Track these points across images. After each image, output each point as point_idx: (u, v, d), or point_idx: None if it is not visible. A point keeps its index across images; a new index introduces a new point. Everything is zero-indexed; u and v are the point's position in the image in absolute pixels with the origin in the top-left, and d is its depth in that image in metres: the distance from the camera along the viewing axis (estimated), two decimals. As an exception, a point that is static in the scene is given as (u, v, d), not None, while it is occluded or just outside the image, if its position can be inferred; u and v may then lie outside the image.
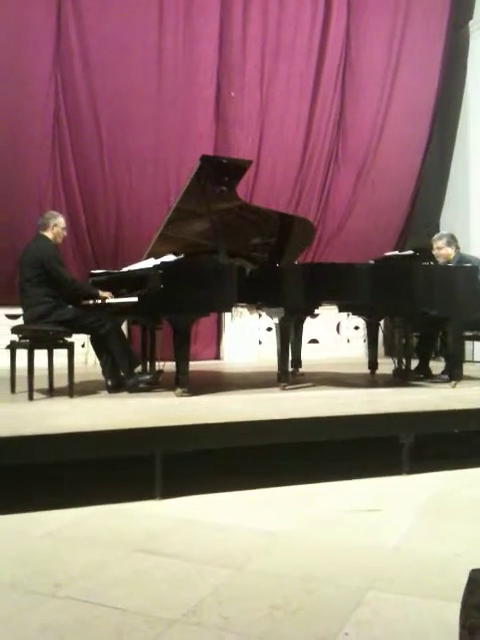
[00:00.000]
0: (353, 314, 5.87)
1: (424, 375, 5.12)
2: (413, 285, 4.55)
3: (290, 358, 4.97)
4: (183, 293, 4.06)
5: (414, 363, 5.18)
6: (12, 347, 4.24)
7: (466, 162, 7.80)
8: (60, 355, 4.26)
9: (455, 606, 1.56)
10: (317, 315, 5.24)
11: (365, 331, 6.56)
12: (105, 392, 4.31)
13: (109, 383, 4.34)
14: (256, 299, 4.57)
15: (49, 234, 4.36)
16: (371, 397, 4.18)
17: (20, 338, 4.25)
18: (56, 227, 4.38)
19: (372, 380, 5.33)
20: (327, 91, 7.48)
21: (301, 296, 4.44)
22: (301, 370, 5.48)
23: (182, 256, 4.44)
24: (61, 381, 4.22)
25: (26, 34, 6.11)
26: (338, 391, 4.55)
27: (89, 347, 5.46)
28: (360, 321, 7.35)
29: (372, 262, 4.91)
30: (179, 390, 4.09)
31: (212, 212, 4.48)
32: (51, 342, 4.21)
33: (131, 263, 4.70)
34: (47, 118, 6.34)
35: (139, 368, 4.65)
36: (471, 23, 7.82)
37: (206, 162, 4.28)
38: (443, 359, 5.26)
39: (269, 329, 7.10)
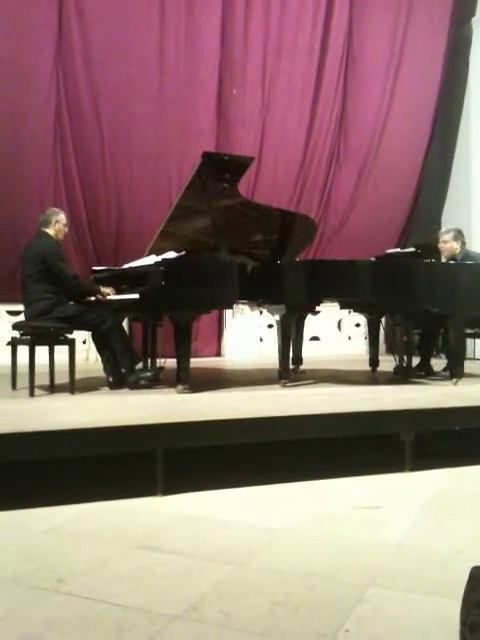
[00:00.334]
0: (354, 311, 5.86)
1: (425, 372, 5.12)
2: (414, 282, 4.54)
3: (291, 355, 4.97)
4: (184, 290, 4.06)
5: (415, 360, 5.17)
6: (13, 343, 4.24)
7: (468, 159, 7.78)
8: (61, 352, 4.26)
9: (456, 603, 1.56)
10: (318, 312, 5.23)
11: (366, 328, 6.57)
12: (106, 389, 4.31)
13: (110, 380, 4.34)
14: (257, 296, 4.57)
15: (50, 231, 4.36)
16: (372, 394, 4.17)
17: (21, 334, 4.25)
18: (57, 224, 4.38)
19: (373, 377, 5.33)
20: (329, 88, 7.47)
21: (302, 293, 4.43)
22: (302, 367, 5.48)
23: (183, 253, 4.44)
24: (62, 378, 4.23)
25: (28, 31, 6.11)
26: (339, 388, 4.55)
27: (90, 343, 5.46)
28: (361, 318, 7.35)
29: (373, 259, 4.90)
30: (180, 387, 4.09)
31: (213, 209, 4.47)
32: (52, 338, 4.21)
33: (132, 260, 4.70)
34: (48, 114, 6.34)
35: (140, 365, 4.66)
36: (474, 20, 7.79)
37: (208, 159, 4.27)
38: (444, 356, 5.26)
39: (270, 326, 7.10)
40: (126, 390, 4.24)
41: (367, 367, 5.56)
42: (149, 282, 4.11)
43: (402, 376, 5.02)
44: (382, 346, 6.58)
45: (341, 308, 5.68)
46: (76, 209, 6.48)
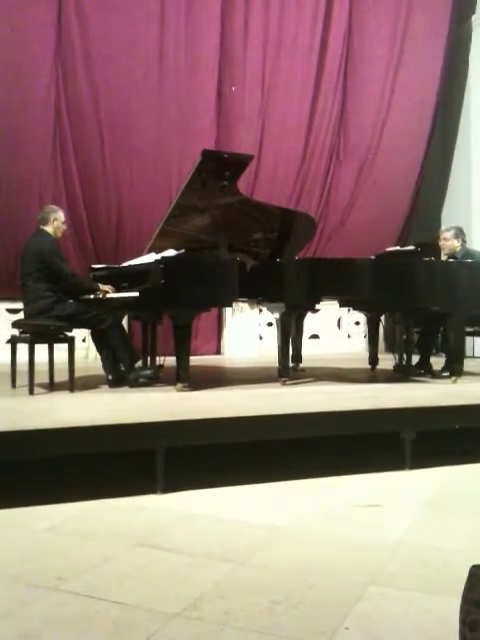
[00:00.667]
0: (354, 309, 5.86)
1: (425, 371, 5.12)
2: (414, 280, 4.54)
3: (291, 353, 4.97)
4: (184, 288, 4.06)
5: (415, 359, 5.17)
6: (13, 341, 4.24)
7: (468, 157, 7.78)
8: (61, 350, 4.26)
9: (456, 602, 1.56)
10: (318, 310, 5.23)
11: (366, 326, 6.57)
12: (106, 387, 4.31)
13: (110, 378, 4.34)
14: (257, 294, 4.56)
15: (49, 229, 4.36)
16: (372, 393, 4.17)
17: (21, 332, 4.25)
18: (56, 221, 4.38)
19: (373, 376, 5.33)
20: (329, 85, 7.46)
21: (302, 291, 4.43)
22: (302, 365, 5.49)
23: (183, 251, 4.44)
24: (62, 376, 4.23)
25: (27, 27, 6.10)
26: (339, 387, 4.55)
27: (90, 342, 5.46)
28: (361, 316, 7.35)
29: (373, 257, 4.90)
30: (180, 385, 4.09)
31: (213, 207, 4.47)
32: (52, 337, 4.21)
33: (132, 258, 4.69)
34: (48, 112, 6.34)
35: (139, 363, 4.65)
36: (474, 18, 7.79)
37: (207, 157, 4.27)
38: (444, 355, 5.26)
39: (270, 324, 7.10)
40: (126, 388, 4.24)
41: (367, 365, 5.56)
42: (149, 280, 4.10)
43: (402, 374, 5.02)
44: (382, 344, 6.58)
45: (341, 306, 5.68)
46: (76, 207, 6.48)
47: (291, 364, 5.00)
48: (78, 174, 6.52)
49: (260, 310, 7.03)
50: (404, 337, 5.15)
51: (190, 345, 4.26)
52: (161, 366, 4.75)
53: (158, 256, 4.18)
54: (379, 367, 5.51)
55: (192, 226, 4.78)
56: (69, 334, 4.21)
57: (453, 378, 4.63)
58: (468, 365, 5.06)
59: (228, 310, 6.95)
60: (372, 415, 3.56)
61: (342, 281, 4.50)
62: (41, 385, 4.20)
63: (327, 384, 4.68)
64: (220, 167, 4.33)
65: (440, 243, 5.11)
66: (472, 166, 7.69)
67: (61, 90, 6.39)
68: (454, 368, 4.69)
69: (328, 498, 3.02)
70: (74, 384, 4.11)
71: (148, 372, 4.47)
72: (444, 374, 4.91)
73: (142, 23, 6.57)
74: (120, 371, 4.34)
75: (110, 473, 3.09)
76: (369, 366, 5.54)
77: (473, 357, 6.88)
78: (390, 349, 6.70)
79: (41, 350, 4.21)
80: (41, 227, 4.36)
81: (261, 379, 4.81)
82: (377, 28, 7.59)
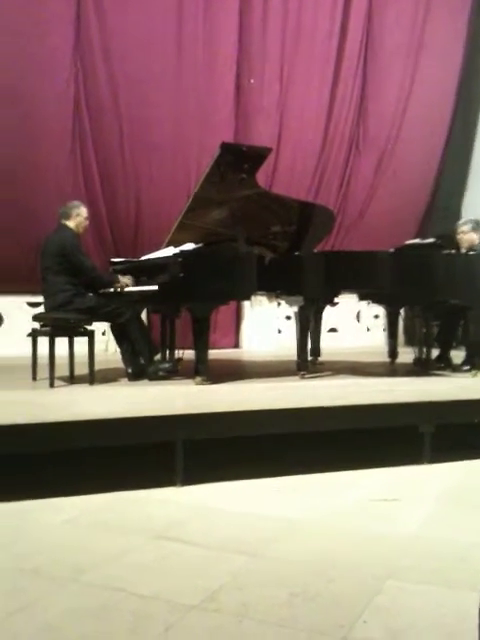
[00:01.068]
0: (373, 303, 5.81)
1: (445, 364, 5.07)
2: (434, 273, 4.50)
3: (309, 347, 4.96)
4: (202, 281, 4.06)
5: (435, 352, 5.13)
6: (33, 335, 4.29)
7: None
8: (81, 343, 4.30)
9: (474, 595, 1.56)
10: (337, 304, 5.19)
11: (385, 320, 6.52)
12: (125, 380, 4.33)
13: (129, 371, 4.36)
14: (275, 287, 4.55)
15: (71, 224, 4.38)
16: (390, 386, 4.15)
17: (41, 326, 4.29)
18: (78, 217, 4.40)
19: (392, 369, 5.30)
20: (348, 76, 7.38)
21: (321, 285, 4.41)
22: (320, 359, 5.47)
23: (202, 245, 4.44)
24: (82, 369, 4.26)
25: (45, 23, 6.11)
26: (357, 380, 4.53)
27: (109, 335, 5.50)
28: (380, 310, 7.30)
29: (393, 250, 4.86)
30: (198, 378, 4.10)
31: (232, 200, 4.46)
32: (72, 330, 4.24)
33: (151, 251, 4.71)
34: (67, 107, 6.35)
35: (158, 356, 4.67)
36: (495, 5, 7.65)
37: (226, 149, 4.26)
38: (464, 348, 5.21)
39: (288, 318, 7.07)
40: (145, 381, 4.26)
41: (386, 359, 5.53)
42: (167, 274, 4.12)
43: (421, 368, 4.98)
44: (401, 338, 6.53)
45: (360, 300, 5.64)
46: (95, 201, 6.49)
47: (310, 358, 4.98)
48: (97, 169, 6.53)
49: (279, 303, 7.01)
50: (424, 330, 5.11)
51: (208, 338, 4.27)
52: (180, 359, 4.77)
53: (177, 250, 4.19)
54: (398, 361, 5.48)
55: (210, 219, 4.78)
56: (89, 327, 4.24)
57: (473, 372, 4.59)
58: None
59: (246, 303, 6.94)
60: (391, 409, 3.54)
61: (361, 274, 4.47)
62: (61, 378, 4.23)
63: (346, 378, 4.66)
64: (239, 160, 4.31)
65: (458, 237, 5.04)
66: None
67: (80, 84, 6.40)
68: (474, 362, 4.64)
69: (346, 492, 3.02)
70: (94, 377, 4.14)
71: (167, 365, 4.49)
72: (464, 368, 4.86)
73: (160, 17, 6.55)
74: (139, 364, 4.37)
75: (129, 466, 3.12)
76: (388, 360, 5.51)
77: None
78: (410, 343, 6.64)
79: (61, 343, 4.24)
80: (63, 222, 4.39)
81: (280, 373, 4.81)
82: (397, 15, 7.47)
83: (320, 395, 3.80)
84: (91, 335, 4.19)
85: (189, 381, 4.17)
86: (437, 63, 7.59)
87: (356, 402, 3.56)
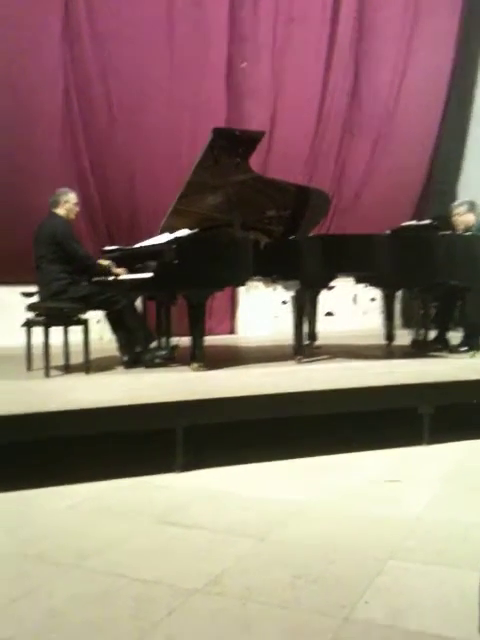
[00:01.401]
0: (370, 285, 5.81)
1: (442, 346, 5.08)
2: (431, 255, 4.49)
3: (306, 331, 4.95)
4: (198, 268, 4.04)
5: (432, 334, 5.13)
6: (28, 325, 4.26)
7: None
8: (75, 332, 4.28)
9: (476, 575, 1.56)
10: (333, 287, 5.18)
11: (382, 302, 6.51)
12: (121, 368, 4.33)
13: (125, 359, 4.35)
14: (271, 272, 4.53)
15: (61, 211, 4.35)
16: (388, 368, 4.15)
17: (36, 315, 4.27)
18: (67, 203, 4.37)
19: (389, 351, 5.30)
20: (341, 57, 7.32)
21: (317, 269, 4.40)
22: (317, 343, 5.46)
23: (196, 230, 4.41)
24: (77, 358, 4.24)
25: (33, 8, 6.02)
26: (355, 363, 4.53)
27: (104, 324, 5.47)
28: (377, 292, 7.28)
29: (389, 232, 4.84)
30: (195, 365, 4.09)
31: (226, 185, 4.43)
32: (66, 319, 4.22)
33: (146, 239, 4.67)
34: (56, 94, 6.26)
35: (154, 343, 4.66)
36: (489, -17, 7.58)
37: (219, 134, 4.22)
38: (461, 329, 5.21)
39: (284, 302, 7.06)
40: (141, 369, 4.25)
41: (383, 342, 5.53)
42: (162, 260, 4.09)
43: (419, 349, 4.99)
44: (398, 320, 6.53)
45: (356, 283, 5.63)
46: (87, 189, 6.44)
47: (306, 342, 4.98)
48: (88, 156, 6.46)
49: (275, 288, 6.99)
50: (421, 312, 5.11)
51: (205, 324, 4.26)
52: (176, 346, 4.75)
53: (171, 236, 4.16)
54: (396, 343, 5.48)
55: (205, 205, 4.75)
56: (83, 316, 4.22)
57: (471, 353, 4.60)
58: (486, 339, 5.00)
59: (242, 289, 6.92)
60: (389, 391, 3.54)
61: (357, 257, 4.46)
62: (57, 367, 4.22)
63: (343, 361, 4.66)
64: (232, 145, 4.28)
65: (453, 220, 5.03)
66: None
67: (69, 71, 6.31)
68: (472, 342, 4.64)
69: (346, 474, 3.02)
70: (90, 366, 4.13)
71: (163, 352, 4.48)
72: (462, 349, 4.87)
73: (149, 1, 6.47)
74: (135, 352, 4.35)
75: (129, 452, 3.11)
76: (385, 342, 5.50)
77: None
78: (406, 325, 6.65)
79: (56, 333, 4.22)
80: (53, 210, 4.36)
81: (277, 357, 4.80)
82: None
83: (318, 379, 3.80)
84: (86, 324, 4.17)
85: (186, 368, 4.17)
86: (431, 46, 7.54)
87: (354, 385, 3.55)
